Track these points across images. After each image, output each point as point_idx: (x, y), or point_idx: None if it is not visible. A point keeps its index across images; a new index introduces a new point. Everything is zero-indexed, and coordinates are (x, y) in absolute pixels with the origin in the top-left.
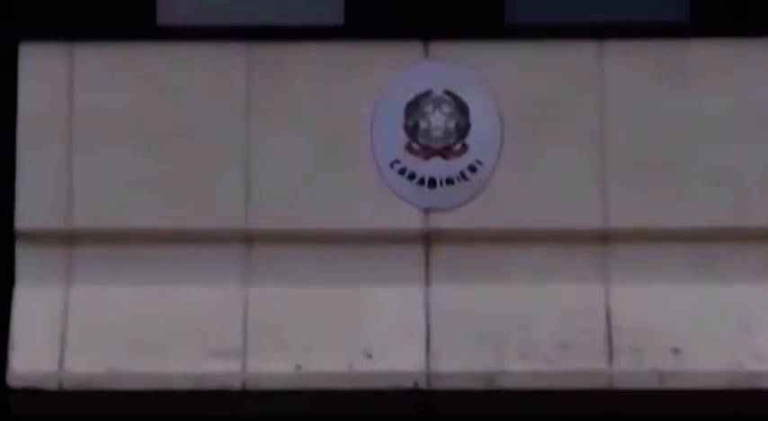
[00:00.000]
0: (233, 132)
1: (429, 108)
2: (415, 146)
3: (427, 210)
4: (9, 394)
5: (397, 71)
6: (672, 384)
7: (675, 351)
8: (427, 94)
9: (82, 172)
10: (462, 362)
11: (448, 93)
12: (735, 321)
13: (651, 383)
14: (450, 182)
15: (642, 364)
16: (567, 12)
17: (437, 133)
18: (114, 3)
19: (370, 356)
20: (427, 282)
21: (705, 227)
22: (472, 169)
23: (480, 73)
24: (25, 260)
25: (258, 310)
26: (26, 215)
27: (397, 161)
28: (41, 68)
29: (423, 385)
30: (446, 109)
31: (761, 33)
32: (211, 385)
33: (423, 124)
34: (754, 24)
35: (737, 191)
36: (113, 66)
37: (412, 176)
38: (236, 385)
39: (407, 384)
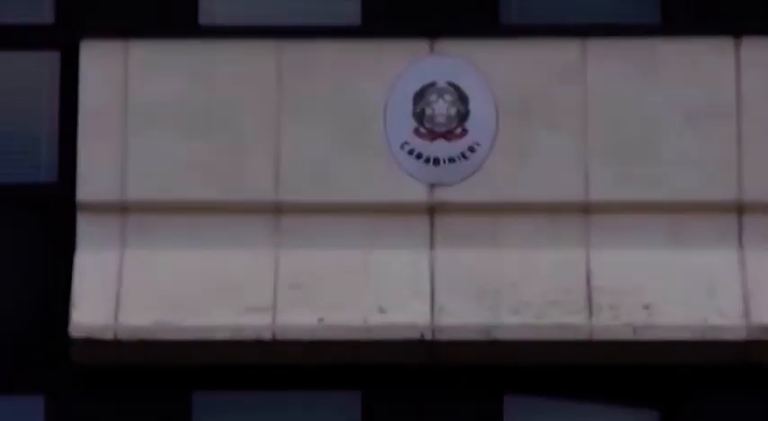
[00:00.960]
0: (265, 118)
1: (434, 97)
2: (422, 130)
3: (432, 186)
4: (71, 344)
5: (406, 65)
6: (644, 336)
7: (647, 307)
8: (432, 84)
9: (134, 152)
10: (462, 316)
11: (450, 84)
12: (700, 282)
13: (626, 335)
14: (452, 161)
15: (618, 319)
16: (555, 14)
17: (441, 119)
18: (162, 4)
19: (382, 311)
20: (432, 247)
21: (674, 201)
22: (471, 150)
23: (479, 67)
24: (85, 228)
25: (286, 272)
26: (86, 189)
27: (407, 143)
28: (100, 63)
29: (428, 336)
30: (449, 98)
31: (722, 32)
32: (246, 336)
33: (428, 111)
34: (716, 24)
35: (702, 170)
36: (161, 60)
37: (419, 156)
38: (267, 336)
39: (415, 335)
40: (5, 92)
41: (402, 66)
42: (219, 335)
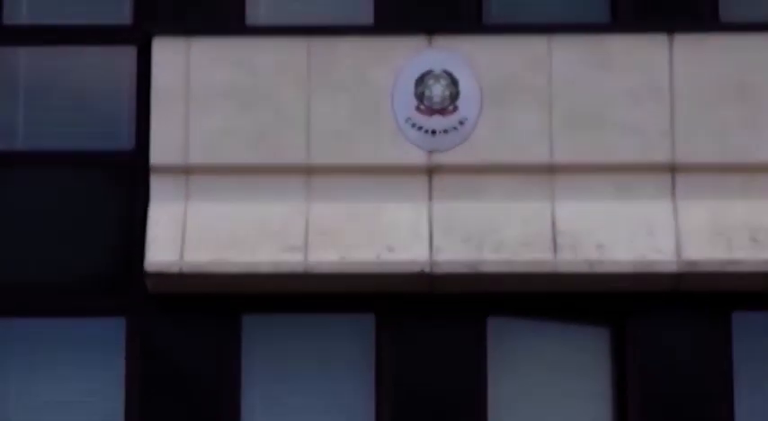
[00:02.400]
0: (297, 98)
1: (431, 81)
2: (422, 107)
3: (430, 152)
4: (146, 277)
5: (409, 56)
6: (597, 269)
7: (599, 246)
8: (430, 72)
9: (195, 125)
10: (454, 254)
11: (444, 71)
12: (641, 227)
13: (583, 269)
14: (445, 132)
15: (576, 256)
16: (527, 15)
17: (437, 99)
18: (216, 9)
19: (391, 250)
20: (430, 200)
21: (620, 163)
22: (461, 123)
23: (467, 57)
24: (157, 185)
25: (315, 220)
26: (157, 155)
27: (410, 118)
28: (168, 55)
29: (427, 270)
30: (443, 82)
31: (659, 30)
32: (284, 270)
33: (427, 93)
34: (654, 23)
35: (643, 139)
36: (216, 53)
37: (419, 128)
38: (300, 270)
39: (417, 269)
40: (94, 79)
41: (406, 57)
42: (263, 269)
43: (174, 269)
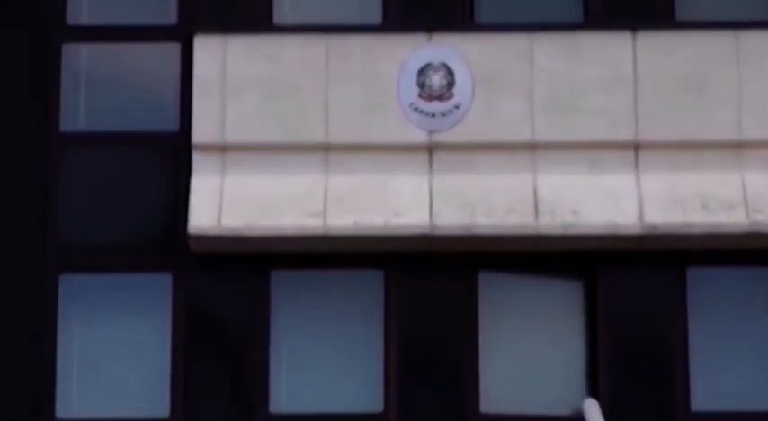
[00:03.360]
0: (317, 87)
1: (431, 72)
2: (423, 94)
3: (430, 132)
4: (188, 239)
5: (412, 51)
6: (572, 232)
7: (574, 212)
8: (429, 64)
9: (230, 109)
10: (450, 218)
11: (442, 63)
12: (610, 195)
13: (560, 231)
14: (443, 115)
15: (554, 220)
16: (512, 15)
17: (435, 87)
18: (247, 11)
19: (397, 215)
20: (430, 173)
21: (592, 140)
22: (456, 107)
23: (461, 52)
24: (198, 161)
25: (332, 190)
26: (199, 134)
27: (413, 103)
28: (207, 50)
29: (427, 232)
30: (441, 73)
31: (624, 28)
32: (306, 232)
33: (427, 82)
34: (619, 22)
35: (611, 120)
36: (248, 48)
37: (421, 112)
38: (320, 232)
39: (419, 231)
40: (145, 71)
41: (409, 51)
42: (288, 232)
43: (213, 232)
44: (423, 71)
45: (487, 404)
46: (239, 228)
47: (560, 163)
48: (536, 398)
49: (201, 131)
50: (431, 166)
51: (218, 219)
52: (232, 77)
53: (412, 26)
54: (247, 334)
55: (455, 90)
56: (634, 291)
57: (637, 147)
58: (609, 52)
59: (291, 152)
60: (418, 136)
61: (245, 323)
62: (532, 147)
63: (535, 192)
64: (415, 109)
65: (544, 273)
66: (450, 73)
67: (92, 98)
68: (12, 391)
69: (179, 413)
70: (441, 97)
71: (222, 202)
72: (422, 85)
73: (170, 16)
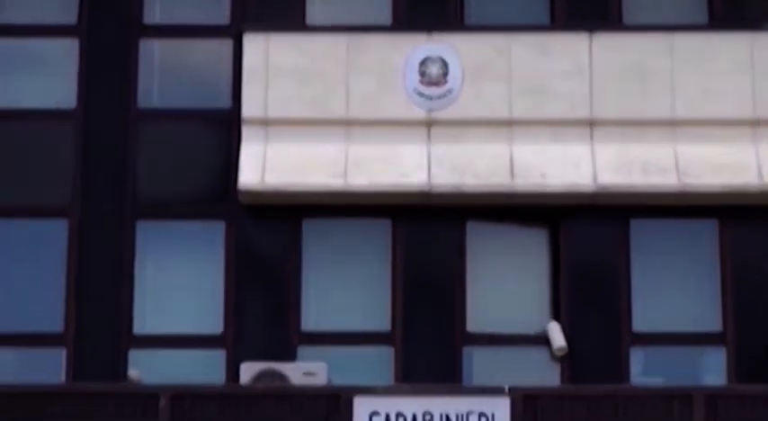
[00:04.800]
0: (339, 75)
1: (430, 64)
2: (423, 81)
3: (429, 110)
4: (238, 193)
5: (415, 46)
6: (540, 190)
7: (543, 174)
8: (428, 57)
9: (272, 91)
10: (444, 179)
11: (439, 57)
12: (572, 162)
13: (531, 189)
14: (439, 97)
15: (527, 180)
16: (494, 18)
17: (433, 75)
18: (285, 12)
19: (403, 176)
20: (429, 143)
21: (556, 119)
22: (450, 91)
23: (454, 48)
24: (246, 132)
25: (352, 155)
26: (247, 111)
27: (415, 88)
28: (254, 45)
29: (427, 190)
30: (438, 64)
31: (582, 29)
32: (331, 189)
33: (427, 71)
34: (579, 24)
35: (571, 103)
36: (285, 43)
37: (422, 95)
38: (341, 189)
39: (420, 189)
40: (204, 61)
41: (413, 47)
42: (316, 189)
43: (257, 188)
44: (423, 62)
45: (472, 325)
46: (278, 185)
47: (531, 136)
48: (510, 320)
49: (249, 109)
50: (429, 138)
51: (262, 178)
52: (273, 66)
53: (415, 27)
54: (283, 268)
55: (449, 78)
56: (588, 237)
57: (592, 123)
58: (570, 48)
59: (319, 126)
60: (419, 114)
61: (281, 260)
62: (510, 123)
63: (511, 159)
64: (417, 92)
65: (518, 222)
66: (445, 64)
67: (163, 82)
68: (99, 314)
69: (229, 330)
70: (437, 83)
71: (265, 165)
72: (422, 74)
73: (224, 17)
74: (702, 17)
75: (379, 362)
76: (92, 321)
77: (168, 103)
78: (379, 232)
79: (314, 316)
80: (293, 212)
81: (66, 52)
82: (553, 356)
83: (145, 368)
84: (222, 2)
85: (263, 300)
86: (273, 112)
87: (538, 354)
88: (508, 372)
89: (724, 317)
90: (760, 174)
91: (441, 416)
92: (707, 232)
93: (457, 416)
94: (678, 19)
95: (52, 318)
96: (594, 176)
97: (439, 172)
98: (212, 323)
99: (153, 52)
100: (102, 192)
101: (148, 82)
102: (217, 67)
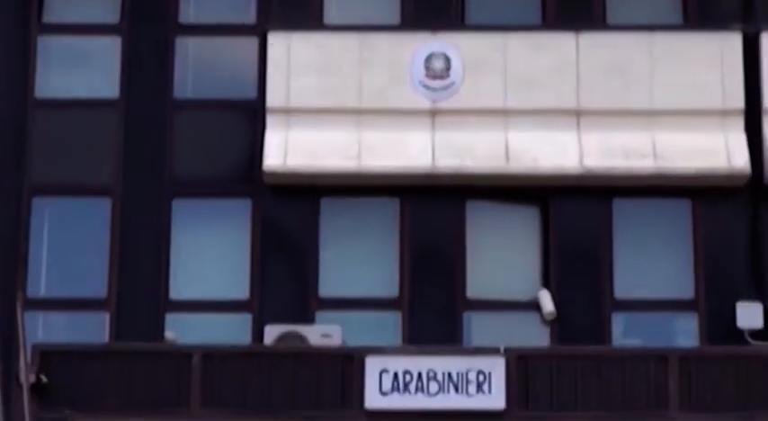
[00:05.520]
0: (353, 69)
1: (434, 59)
2: (429, 74)
3: (433, 101)
4: (263, 174)
5: (421, 43)
6: (532, 172)
7: (534, 158)
8: (433, 53)
9: (293, 83)
10: (447, 161)
11: (442, 53)
12: (561, 147)
13: (524, 171)
14: (443, 89)
15: (520, 164)
16: (492, 18)
17: (437, 70)
18: (305, 13)
19: (410, 159)
20: (433, 130)
21: (545, 108)
22: (452, 84)
23: (455, 45)
24: (271, 119)
25: (364, 141)
26: (271, 101)
27: (421, 81)
28: (277, 42)
29: (431, 171)
30: (441, 59)
31: (568, 29)
32: (346, 170)
33: (431, 66)
34: (565, 25)
35: (558, 94)
36: (305, 41)
37: (427, 87)
38: (354, 171)
39: (425, 171)
40: (233, 57)
41: (418, 44)
42: (332, 170)
43: (280, 170)
44: (428, 58)
45: (471, 292)
46: (298, 167)
47: (524, 124)
48: (505, 288)
49: (272, 99)
50: (433, 126)
51: (284, 161)
52: (294, 61)
53: (421, 26)
54: (303, 241)
55: (451, 72)
56: (575, 214)
57: (578, 113)
58: (559, 46)
59: (335, 114)
60: (425, 104)
61: (301, 234)
62: (505, 112)
63: (506, 145)
64: (423, 85)
65: (512, 201)
66: (447, 60)
67: (196, 75)
68: (138, 282)
69: (255, 296)
70: (441, 77)
71: (287, 149)
72: (428, 68)
73: (251, 18)
74: (678, 18)
75: (388, 325)
76: (132, 288)
77: (201, 94)
78: (389, 209)
79: (330, 283)
80: (312, 191)
81: (110, 48)
82: (543, 320)
83: (179, 330)
84: (249, 3)
85: (284, 269)
86: (294, 102)
87: (530, 319)
88: (503, 335)
89: (696, 286)
90: (728, 158)
91: (443, 373)
92: (681, 210)
93: (457, 374)
94: (656, 20)
95: (97, 286)
96: (581, 160)
97: (442, 156)
98: (239, 290)
99: (187, 49)
100: (142, 173)
101: (183, 75)
102: (244, 61)
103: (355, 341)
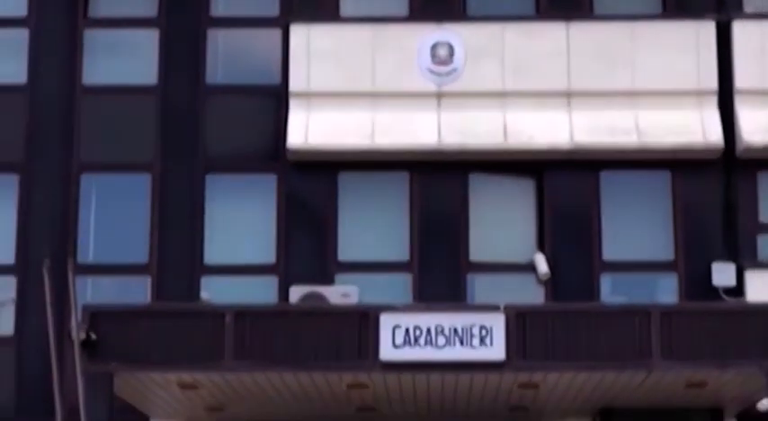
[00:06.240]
0: (367, 56)
1: (439, 47)
2: (435, 61)
3: (439, 85)
4: (287, 151)
5: (428, 33)
6: (528, 147)
7: (530, 136)
8: (438, 42)
9: (314, 69)
10: (451, 139)
11: (447, 41)
12: (551, 125)
13: (521, 147)
14: (447, 74)
15: (518, 140)
16: (490, 9)
17: (442, 57)
18: (323, 6)
19: (418, 137)
20: (439, 110)
21: (541, 90)
22: (455, 70)
23: (458, 34)
24: (293, 103)
25: (377, 121)
26: (293, 85)
27: (428, 67)
28: (298, 32)
29: (438, 147)
30: (446, 48)
31: (560, 18)
32: (361, 148)
33: (437, 53)
34: (558, 14)
35: (552, 77)
36: (324, 31)
37: (433, 72)
38: (369, 148)
39: (432, 148)
40: (259, 46)
41: (425, 33)
42: (349, 148)
43: (302, 148)
44: (434, 46)
45: (474, 255)
46: (318, 145)
47: (521, 104)
48: (504, 252)
49: (295, 84)
50: (439, 107)
51: (306, 140)
52: (314, 50)
53: (427, 17)
54: (323, 211)
55: (454, 58)
56: (567, 185)
57: (569, 94)
58: (551, 34)
59: (351, 97)
60: (431, 88)
61: (321, 205)
62: (503, 94)
63: (504, 123)
64: (429, 70)
65: (510, 174)
66: (451, 48)
67: (225, 63)
68: (176, 249)
69: (280, 261)
70: (445, 63)
71: (308, 129)
72: (433, 55)
73: (275, 11)
74: (657, 8)
75: (399, 285)
76: (170, 254)
77: (230, 80)
78: (400, 182)
79: (348, 248)
80: (331, 167)
81: (148, 40)
82: (539, 280)
83: (213, 291)
84: None
85: (307, 236)
86: (314, 87)
87: (526, 279)
88: (503, 293)
89: (675, 249)
90: (703, 134)
91: (449, 328)
92: (661, 181)
93: (462, 329)
94: (638, 10)
95: (139, 252)
96: (571, 136)
97: (447, 134)
98: (266, 255)
99: (218, 39)
100: (178, 151)
101: (214, 63)
102: (268, 51)
103: (370, 300)
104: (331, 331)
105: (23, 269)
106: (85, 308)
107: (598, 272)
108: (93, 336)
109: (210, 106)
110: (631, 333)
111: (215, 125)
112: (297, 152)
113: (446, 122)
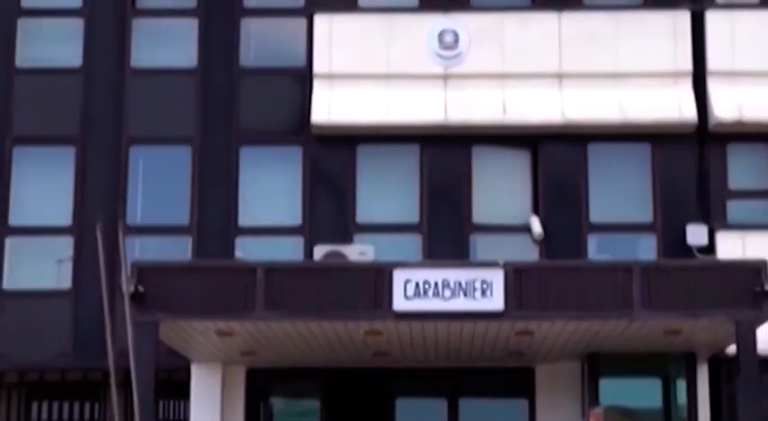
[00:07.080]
0: (381, 41)
1: (445, 34)
2: (442, 46)
3: (445, 68)
4: (311, 126)
5: (435, 21)
6: (524, 122)
7: (526, 113)
8: (445, 29)
9: (336, 53)
10: (456, 116)
11: (452, 29)
12: (544, 102)
13: (518, 122)
14: (453, 58)
15: (515, 116)
16: (491, 1)
17: (448, 42)
18: (343, 1)
19: (427, 114)
20: (445, 90)
21: (535, 72)
22: (460, 54)
23: (464, 23)
24: (317, 83)
25: (391, 100)
26: (319, 67)
27: (436, 51)
28: (322, 22)
29: (444, 123)
30: (451, 34)
31: (553, 9)
32: (377, 122)
33: (444, 39)
34: (553, 6)
35: (546, 60)
36: (344, 20)
37: (440, 56)
38: (384, 122)
39: (439, 123)
40: (287, 33)
41: (433, 22)
42: (366, 123)
43: (325, 123)
44: (441, 33)
45: (476, 218)
46: (340, 121)
47: (518, 84)
48: (503, 215)
49: (319, 66)
50: (446, 87)
51: (328, 116)
52: (336, 36)
53: (435, 7)
54: (343, 180)
55: (459, 44)
56: (558, 157)
57: (561, 76)
58: (545, 24)
59: (368, 78)
60: (438, 70)
61: (341, 174)
62: (502, 76)
63: (503, 101)
64: (437, 55)
65: (508, 146)
66: (456, 34)
67: (257, 48)
68: (214, 212)
69: (305, 223)
70: (451, 48)
71: (331, 106)
72: (440, 41)
73: (300, 2)
74: None
75: (410, 245)
76: (209, 217)
77: (261, 63)
78: (411, 153)
79: (365, 212)
80: (350, 140)
81: (189, 28)
82: (534, 240)
83: (247, 250)
84: None
85: (329, 201)
86: (336, 69)
87: (523, 239)
88: (502, 252)
89: (654, 212)
90: (680, 110)
91: (454, 282)
92: (642, 152)
93: (466, 283)
94: (622, 1)
95: (181, 215)
96: (563, 113)
97: (452, 111)
98: (293, 217)
99: (250, 27)
100: (215, 125)
101: (247, 48)
102: (295, 37)
103: (385, 257)
104: (350, 285)
105: (79, 230)
106: (134, 264)
107: (586, 232)
108: (141, 289)
109: (244, 86)
110: (615, 286)
111: (248, 103)
112: (320, 127)
113: (452, 100)
